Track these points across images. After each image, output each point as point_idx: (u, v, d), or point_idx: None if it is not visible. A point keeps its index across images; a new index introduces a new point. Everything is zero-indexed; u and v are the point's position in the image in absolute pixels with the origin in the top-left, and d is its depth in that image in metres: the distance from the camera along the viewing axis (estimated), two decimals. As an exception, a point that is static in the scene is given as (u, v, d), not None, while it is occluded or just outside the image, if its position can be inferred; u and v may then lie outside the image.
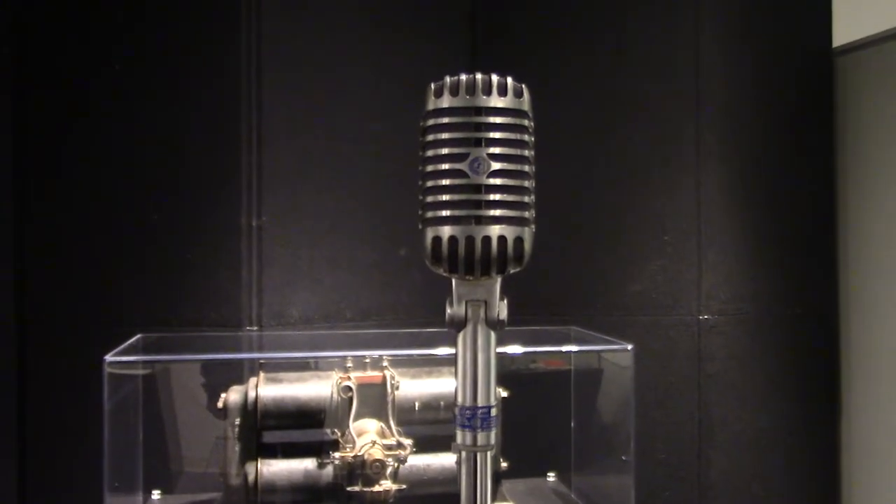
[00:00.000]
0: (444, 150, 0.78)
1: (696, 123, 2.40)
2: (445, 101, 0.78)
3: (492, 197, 0.77)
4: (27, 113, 2.29)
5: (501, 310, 0.82)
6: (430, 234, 0.78)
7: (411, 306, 2.43)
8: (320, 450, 1.70)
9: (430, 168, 0.78)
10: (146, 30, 2.24)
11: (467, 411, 0.80)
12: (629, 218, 2.45)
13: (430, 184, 0.78)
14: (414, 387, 1.75)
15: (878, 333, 2.49)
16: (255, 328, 2.21)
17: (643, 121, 2.43)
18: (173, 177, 2.22)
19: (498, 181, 0.77)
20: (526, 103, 0.80)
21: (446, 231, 0.77)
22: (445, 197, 0.77)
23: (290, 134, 2.25)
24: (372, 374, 1.70)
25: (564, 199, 2.45)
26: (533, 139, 0.81)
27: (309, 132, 2.29)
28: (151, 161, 2.23)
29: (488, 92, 0.78)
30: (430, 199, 0.78)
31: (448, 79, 0.79)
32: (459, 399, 0.81)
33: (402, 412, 1.71)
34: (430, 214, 0.78)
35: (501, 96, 0.78)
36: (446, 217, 0.77)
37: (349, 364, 1.73)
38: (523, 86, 0.80)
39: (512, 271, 0.80)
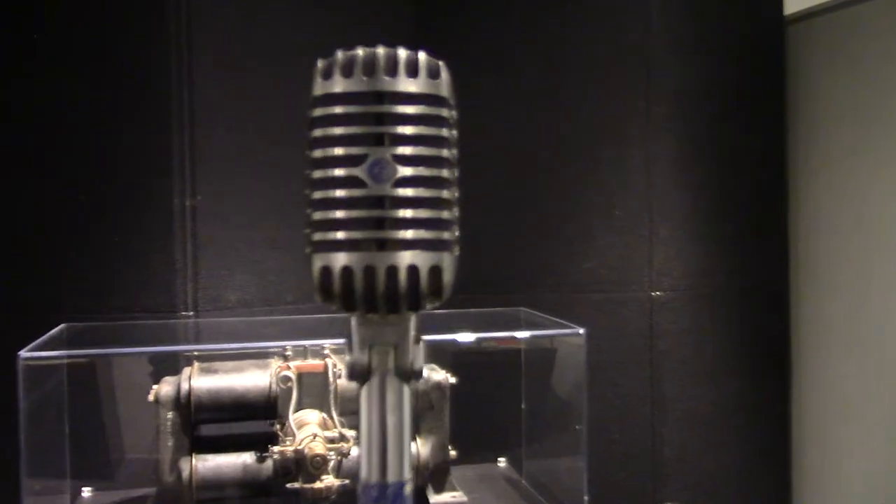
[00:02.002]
0: (336, 151, 0.54)
1: (645, 95, 2.25)
2: (337, 85, 0.54)
3: (400, 213, 0.54)
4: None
5: (416, 356, 0.59)
6: (317, 262, 0.54)
7: (354, 288, 2.22)
8: (259, 443, 1.57)
9: (317, 175, 0.55)
10: (74, 4, 2.06)
11: (373, 490, 0.57)
12: (578, 193, 2.29)
13: (317, 195, 0.55)
14: (357, 375, 1.57)
15: (827, 308, 2.38)
16: (191, 314, 2.05)
17: (591, 92, 2.28)
18: (102, 156, 2.05)
19: (408, 191, 0.54)
20: (444, 86, 0.56)
21: (339, 259, 0.54)
22: (338, 213, 0.54)
23: (225, 110, 2.08)
24: (313, 363, 1.58)
25: (509, 173, 2.31)
26: (455, 133, 0.57)
27: (244, 107, 2.11)
28: (78, 140, 2.05)
29: (393, 72, 0.54)
30: (317, 215, 0.55)
31: (340, 54, 0.55)
32: (363, 473, 0.58)
33: (344, 402, 1.57)
34: (317, 237, 0.55)
35: (411, 77, 0.54)
36: (339, 241, 0.54)
37: (288, 352, 1.59)
38: (441, 63, 0.56)
39: (429, 307, 0.57)
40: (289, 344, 1.60)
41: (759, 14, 2.40)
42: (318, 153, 0.55)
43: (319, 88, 0.55)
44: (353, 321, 0.58)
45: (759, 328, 2.39)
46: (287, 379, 1.53)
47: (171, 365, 1.77)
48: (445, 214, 0.55)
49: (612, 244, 2.27)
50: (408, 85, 0.54)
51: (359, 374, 0.57)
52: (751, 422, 2.37)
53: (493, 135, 2.26)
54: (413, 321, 0.58)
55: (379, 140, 0.54)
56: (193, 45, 2.02)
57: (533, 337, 1.94)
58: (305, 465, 1.47)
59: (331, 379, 1.54)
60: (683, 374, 2.28)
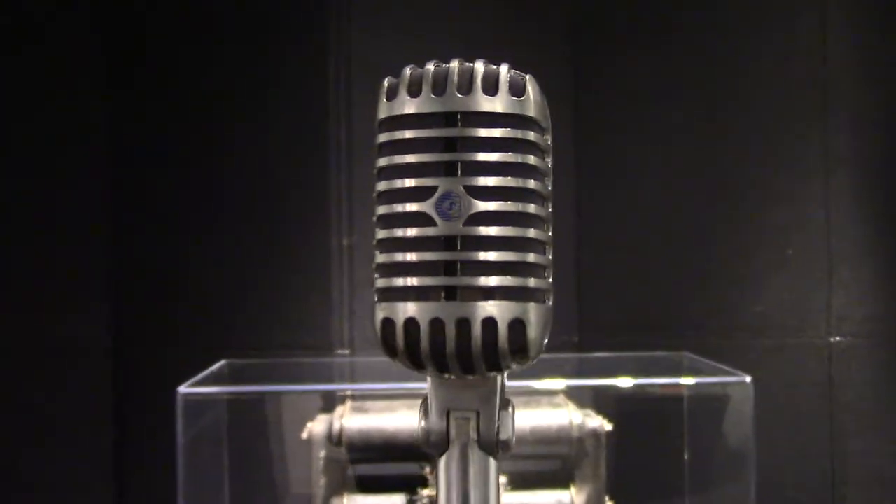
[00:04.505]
0: (401, 183, 0.45)
1: (824, 125, 2.07)
2: (404, 105, 0.46)
3: (475, 256, 0.44)
4: (123, 142, 2.20)
5: (504, 424, 0.49)
6: (380, 313, 0.46)
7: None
8: (409, 486, 1.54)
9: (382, 210, 0.46)
10: (234, 50, 2.11)
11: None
12: (749, 230, 2.14)
13: (381, 234, 0.46)
14: (509, 419, 1.51)
15: None
16: (347, 352, 2.03)
17: (764, 122, 2.13)
18: (262, 197, 2.09)
19: (486, 230, 0.44)
20: (532, 105, 0.46)
21: (404, 310, 0.45)
22: (404, 256, 0.45)
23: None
24: (465, 405, 1.48)
25: (676, 209, 2.17)
26: (548, 162, 0.47)
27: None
28: (240, 182, 2.11)
29: (468, 89, 0.45)
30: (381, 258, 0.46)
31: (408, 71, 0.47)
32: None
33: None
34: (381, 283, 0.46)
35: (489, 95, 0.45)
36: (404, 288, 0.45)
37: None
38: (528, 78, 0.46)
39: (515, 367, 0.47)
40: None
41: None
42: (382, 185, 0.46)
43: (384, 110, 0.46)
44: (430, 382, 0.48)
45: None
46: (438, 420, 1.49)
47: (323, 403, 1.75)
48: (532, 257, 0.45)
49: (787, 286, 2.09)
50: (485, 104, 0.45)
51: (434, 443, 0.48)
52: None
53: (660, 171, 2.14)
54: (499, 383, 0.48)
55: (450, 169, 0.44)
56: (353, 84, 2.01)
57: (696, 384, 1.80)
58: (454, 512, 1.41)
59: (482, 422, 1.48)
60: (868, 430, 2.06)
